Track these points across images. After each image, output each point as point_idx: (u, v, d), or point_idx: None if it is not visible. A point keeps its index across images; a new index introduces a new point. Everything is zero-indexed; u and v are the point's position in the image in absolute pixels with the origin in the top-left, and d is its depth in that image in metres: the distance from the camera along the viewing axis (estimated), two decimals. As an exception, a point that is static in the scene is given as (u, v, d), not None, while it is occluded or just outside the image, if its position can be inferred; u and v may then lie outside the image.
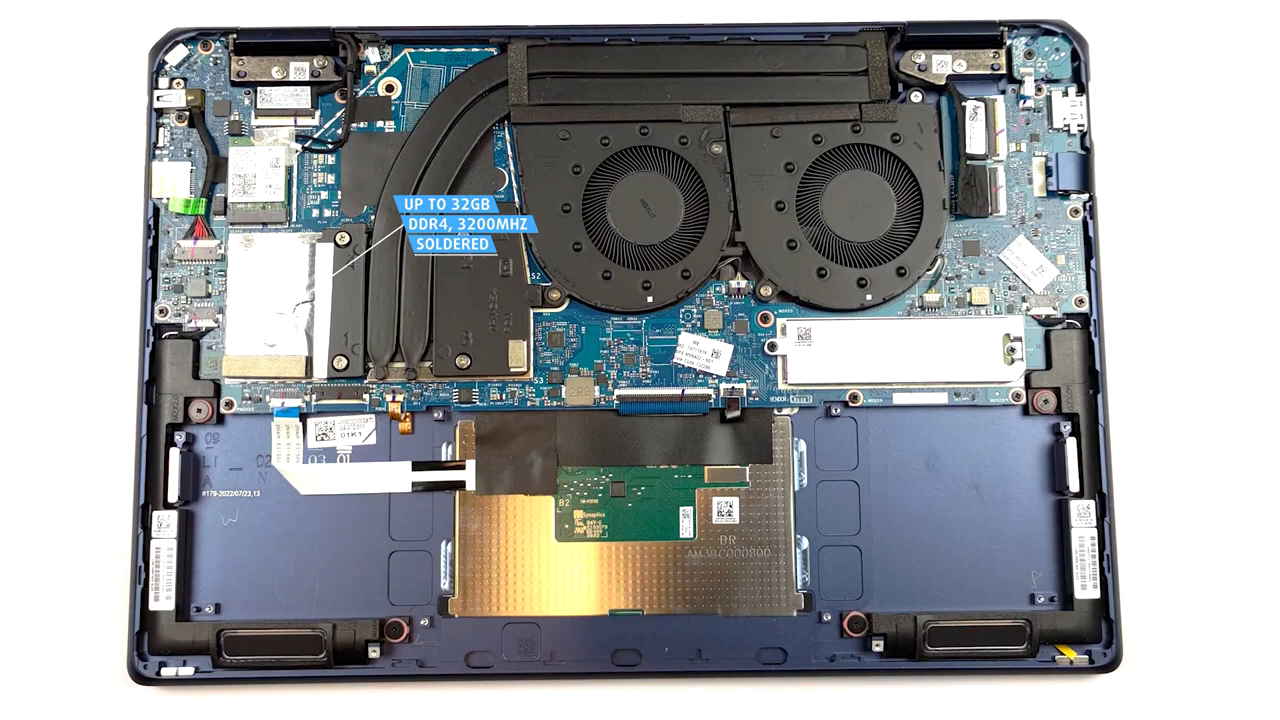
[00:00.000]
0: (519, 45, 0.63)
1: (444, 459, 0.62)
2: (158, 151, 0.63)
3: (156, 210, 0.63)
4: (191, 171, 0.63)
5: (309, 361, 0.61)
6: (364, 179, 0.63)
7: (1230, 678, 0.62)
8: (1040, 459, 0.62)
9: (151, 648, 0.60)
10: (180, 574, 0.60)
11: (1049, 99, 0.64)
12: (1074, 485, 0.61)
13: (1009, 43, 0.64)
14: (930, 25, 0.63)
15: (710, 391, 0.62)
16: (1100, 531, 0.61)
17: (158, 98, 0.63)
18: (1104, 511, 0.61)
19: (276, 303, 0.62)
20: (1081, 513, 0.61)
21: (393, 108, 0.63)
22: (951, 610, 0.60)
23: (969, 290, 0.63)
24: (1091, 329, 0.62)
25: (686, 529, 0.61)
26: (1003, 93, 0.64)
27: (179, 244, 0.62)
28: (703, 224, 0.62)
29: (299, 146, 0.63)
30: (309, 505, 0.61)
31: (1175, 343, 0.64)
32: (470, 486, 0.61)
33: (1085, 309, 0.62)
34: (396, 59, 0.64)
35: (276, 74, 0.63)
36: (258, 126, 0.63)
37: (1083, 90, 0.64)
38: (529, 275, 0.62)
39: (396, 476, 0.61)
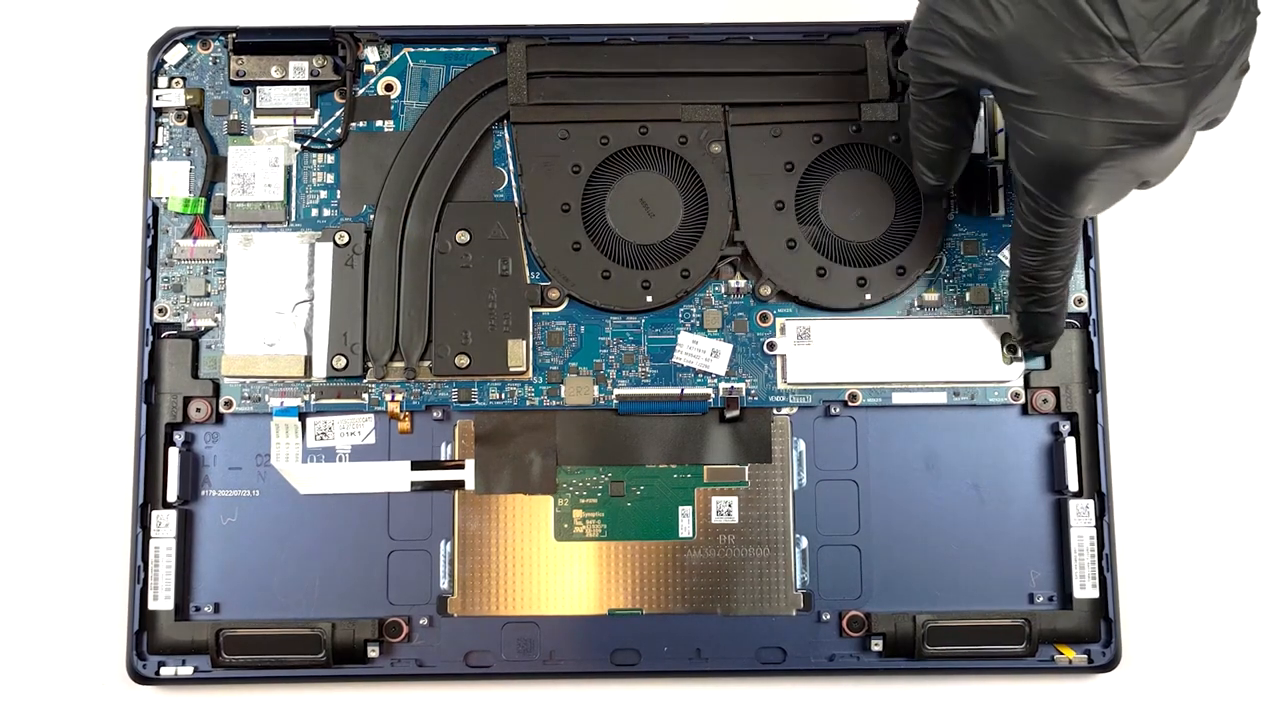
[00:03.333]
0: (518, 44, 0.63)
1: (443, 458, 0.62)
2: (157, 151, 0.63)
3: (156, 209, 0.63)
4: (190, 171, 0.63)
5: (308, 361, 0.61)
6: (363, 178, 0.63)
7: (1229, 677, 0.62)
8: (1039, 459, 0.62)
9: (151, 647, 0.60)
10: (179, 573, 0.60)
11: (1048, 99, 0.64)
12: (1073, 485, 0.61)
13: (1008, 42, 0.64)
14: (930, 25, 0.63)
15: (709, 391, 0.62)
16: (1099, 531, 0.61)
17: (157, 97, 0.63)
18: (1103, 511, 0.61)
19: (275, 302, 0.62)
20: (1080, 512, 0.61)
21: (392, 107, 0.63)
22: (950, 610, 0.60)
23: (968, 290, 0.63)
24: (1091, 328, 0.62)
25: (685, 528, 0.61)
26: (1002, 92, 0.64)
27: (178, 243, 0.62)
28: (702, 224, 0.62)
29: (298, 146, 0.63)
30: (308, 505, 0.61)
31: (1175, 343, 0.64)
32: (469, 486, 0.61)
33: (1084, 309, 0.62)
34: (396, 58, 0.64)
35: (275, 73, 0.63)
36: (257, 126, 0.63)
37: (1082, 90, 0.64)
38: (528, 275, 0.62)
39: (395, 476, 0.61)
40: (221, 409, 0.62)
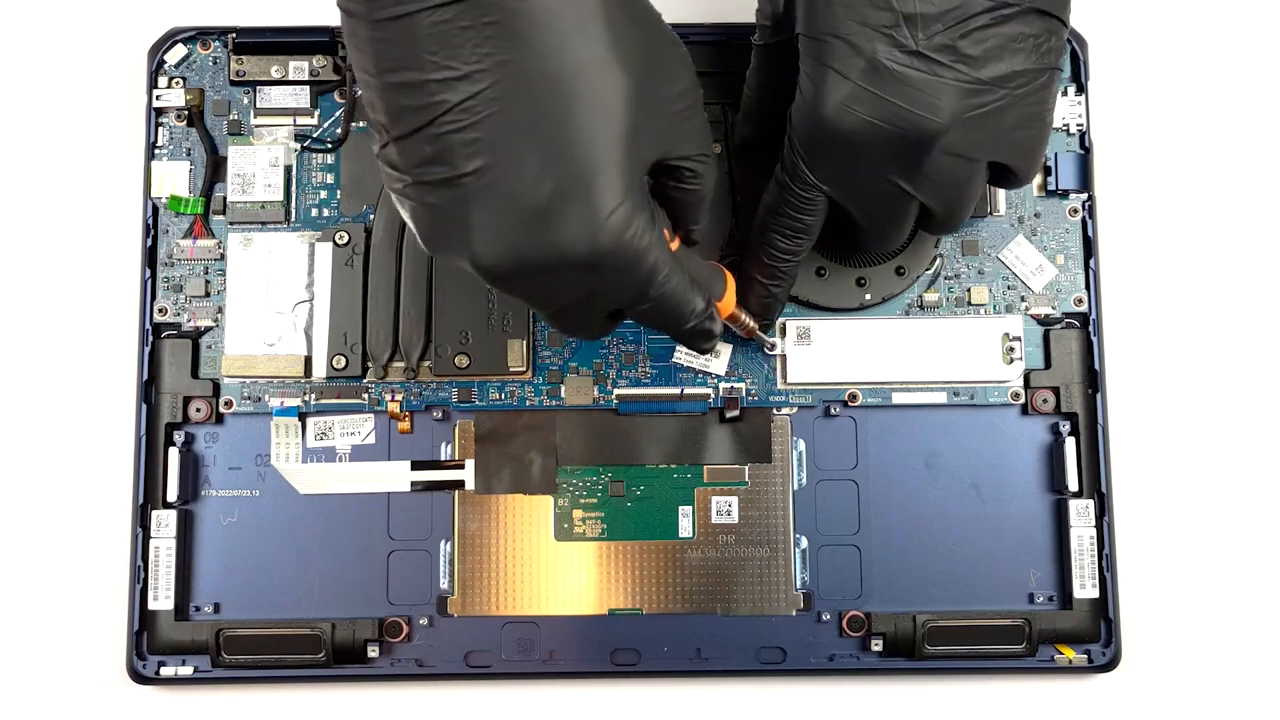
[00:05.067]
0: (518, 45, 0.63)
1: (443, 459, 0.62)
2: (157, 151, 0.63)
3: (155, 209, 0.63)
4: (190, 171, 0.63)
5: (308, 361, 0.61)
6: (363, 178, 0.63)
7: (1229, 677, 0.62)
8: (1039, 459, 0.62)
9: (150, 647, 0.60)
10: (179, 573, 0.60)
11: (1048, 98, 0.64)
12: (1073, 485, 0.61)
13: (1008, 42, 0.64)
14: (929, 25, 0.63)
15: (709, 391, 0.62)
16: (1099, 531, 0.61)
17: (157, 97, 0.63)
18: (1103, 511, 0.61)
19: (275, 302, 0.62)
20: (1080, 512, 0.61)
21: (392, 107, 0.63)
22: (950, 610, 0.60)
23: (968, 290, 0.63)
24: (1090, 328, 0.62)
25: (685, 528, 0.61)
26: (1002, 92, 0.64)
27: (178, 243, 0.63)
28: (702, 223, 0.62)
29: (298, 146, 0.63)
30: (308, 505, 0.61)
31: (1175, 343, 0.64)
32: (469, 486, 0.61)
33: (1084, 308, 0.62)
34: (396, 58, 0.64)
35: (276, 73, 0.63)
36: (257, 126, 0.63)
37: (1082, 90, 0.64)
38: (528, 275, 0.62)
39: (395, 476, 0.61)
40: (221, 409, 0.62)
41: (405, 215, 0.47)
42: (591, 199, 0.45)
